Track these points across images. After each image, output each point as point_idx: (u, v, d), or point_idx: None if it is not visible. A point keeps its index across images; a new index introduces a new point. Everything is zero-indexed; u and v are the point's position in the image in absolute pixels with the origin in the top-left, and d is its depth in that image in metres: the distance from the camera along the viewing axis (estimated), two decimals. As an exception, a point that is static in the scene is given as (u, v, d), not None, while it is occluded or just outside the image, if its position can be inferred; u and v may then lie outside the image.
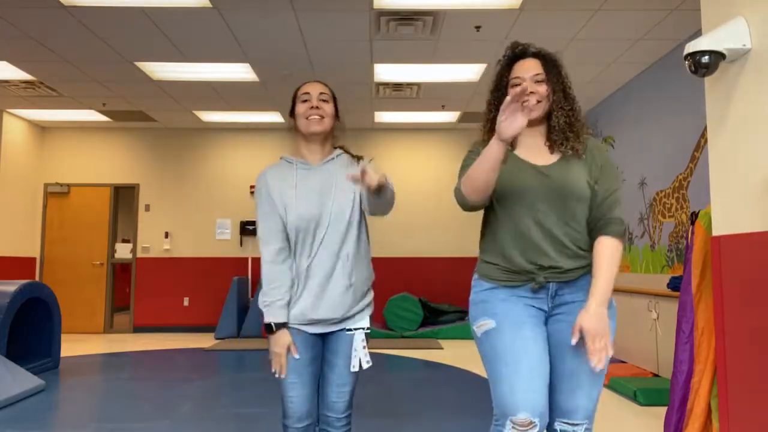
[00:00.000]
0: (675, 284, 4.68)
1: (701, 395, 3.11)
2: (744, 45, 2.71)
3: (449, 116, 8.27)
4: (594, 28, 5.19)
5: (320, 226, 1.97)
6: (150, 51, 5.78)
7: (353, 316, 2.01)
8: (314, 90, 2.04)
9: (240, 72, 6.39)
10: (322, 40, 5.52)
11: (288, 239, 2.00)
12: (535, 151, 1.80)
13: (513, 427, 1.60)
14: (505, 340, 1.67)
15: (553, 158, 1.78)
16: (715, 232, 2.96)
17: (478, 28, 5.20)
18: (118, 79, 6.63)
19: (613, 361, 5.54)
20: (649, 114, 6.16)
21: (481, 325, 1.75)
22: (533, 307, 1.75)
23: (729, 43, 2.73)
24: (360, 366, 1.99)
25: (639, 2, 4.70)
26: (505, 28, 5.21)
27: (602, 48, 5.67)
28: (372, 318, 2.09)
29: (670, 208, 5.70)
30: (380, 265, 8.66)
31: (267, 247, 1.98)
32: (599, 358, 1.58)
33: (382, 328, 8.04)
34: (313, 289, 1.96)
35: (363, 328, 2.01)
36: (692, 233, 3.28)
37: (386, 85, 6.82)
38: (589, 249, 1.75)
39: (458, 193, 1.75)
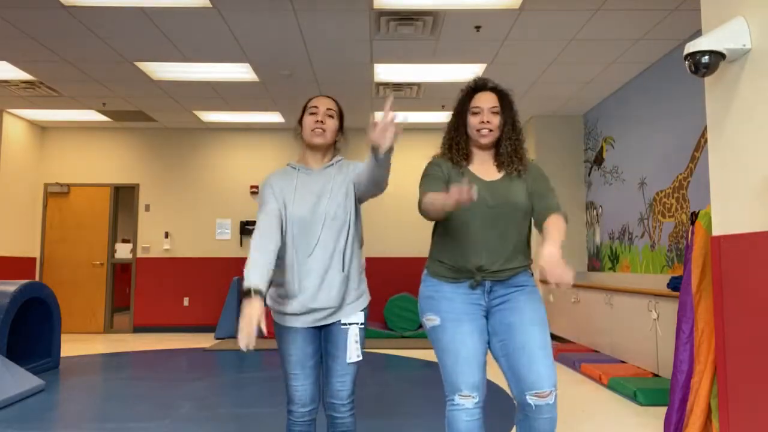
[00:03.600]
0: (675, 284, 4.68)
1: (701, 395, 3.11)
2: (744, 45, 2.71)
3: (449, 116, 8.25)
4: (594, 28, 5.19)
5: (317, 225, 2.13)
6: (150, 51, 5.78)
7: (350, 304, 2.17)
8: (322, 105, 2.21)
9: (240, 72, 6.39)
10: (322, 40, 5.52)
11: (282, 228, 2.14)
12: (485, 168, 2.14)
13: (460, 398, 2.01)
14: (447, 335, 2.04)
15: (499, 175, 2.13)
16: (715, 232, 2.96)
17: (478, 28, 5.20)
18: (118, 79, 6.63)
19: (613, 361, 5.54)
20: (649, 114, 6.16)
21: (429, 319, 2.10)
22: (472, 303, 2.07)
23: (729, 43, 2.73)
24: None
25: (639, 2, 4.70)
26: (505, 28, 5.21)
27: (602, 48, 5.67)
28: (367, 314, 2.25)
29: (670, 208, 5.70)
30: (380, 265, 8.67)
31: (260, 223, 2.10)
32: (559, 277, 1.75)
33: (382, 328, 8.04)
34: (312, 282, 2.11)
35: (357, 323, 2.17)
36: (692, 233, 3.29)
37: (386, 85, 6.82)
38: (523, 257, 2.11)
39: (420, 207, 2.05)
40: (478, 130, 2.09)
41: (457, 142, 2.15)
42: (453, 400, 2.03)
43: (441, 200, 1.87)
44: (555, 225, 1.99)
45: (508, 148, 2.12)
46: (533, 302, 2.07)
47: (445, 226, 2.11)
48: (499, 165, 2.14)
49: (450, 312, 2.05)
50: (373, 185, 2.08)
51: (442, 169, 2.13)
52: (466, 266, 2.06)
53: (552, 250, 1.83)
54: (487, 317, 2.11)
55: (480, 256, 2.05)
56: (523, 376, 1.97)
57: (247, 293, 1.94)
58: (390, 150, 1.91)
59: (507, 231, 2.06)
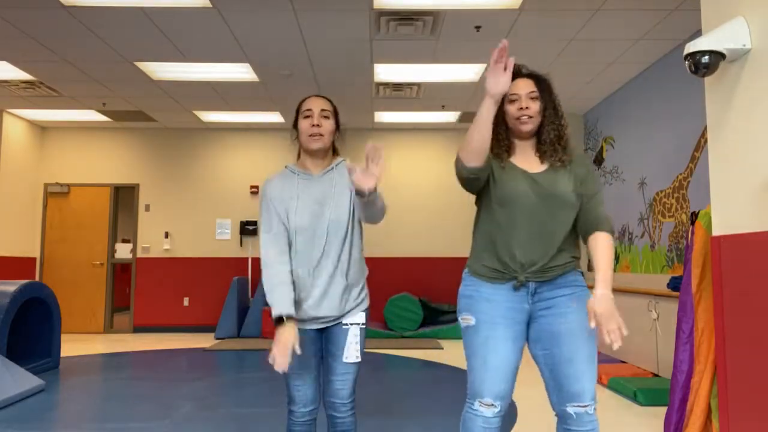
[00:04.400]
0: (675, 284, 4.68)
1: (701, 395, 3.11)
2: (744, 45, 2.71)
3: (449, 116, 8.27)
4: (594, 28, 5.19)
5: (321, 235, 2.11)
6: (150, 51, 5.78)
7: (350, 311, 2.16)
8: (316, 107, 2.15)
9: (240, 72, 6.39)
10: (322, 40, 5.52)
11: (289, 244, 2.13)
12: (528, 161, 2.02)
13: (480, 405, 1.94)
14: (480, 337, 1.95)
15: (543, 167, 2.00)
16: (715, 232, 2.96)
17: (478, 28, 5.20)
18: (118, 79, 6.63)
19: (613, 361, 5.54)
20: (649, 114, 6.16)
21: (464, 319, 2.01)
22: (512, 307, 1.96)
23: (729, 43, 2.73)
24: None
25: (639, 2, 4.70)
26: (505, 28, 5.21)
27: (602, 48, 5.67)
28: (368, 314, 2.25)
29: (670, 208, 5.70)
30: (380, 265, 8.67)
31: (269, 248, 2.10)
32: (616, 336, 1.75)
33: (382, 328, 8.04)
34: (316, 292, 2.11)
35: (358, 324, 2.16)
36: (692, 233, 3.28)
37: (386, 85, 6.82)
38: (572, 250, 2.00)
39: (457, 163, 1.92)
40: (518, 118, 1.96)
41: (497, 134, 2.00)
42: (473, 404, 1.96)
43: (478, 112, 1.78)
44: (604, 254, 1.89)
45: (551, 135, 1.99)
46: (581, 310, 1.95)
47: (489, 223, 2.00)
48: (542, 155, 2.00)
49: (486, 314, 1.95)
50: (366, 219, 2.09)
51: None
52: (509, 265, 1.95)
53: (605, 293, 1.78)
54: (529, 321, 2.01)
55: (524, 253, 1.93)
56: (566, 388, 1.91)
57: (279, 320, 1.99)
58: (374, 191, 1.91)
59: (553, 225, 1.94)
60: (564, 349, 1.92)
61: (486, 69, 1.95)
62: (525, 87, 2.00)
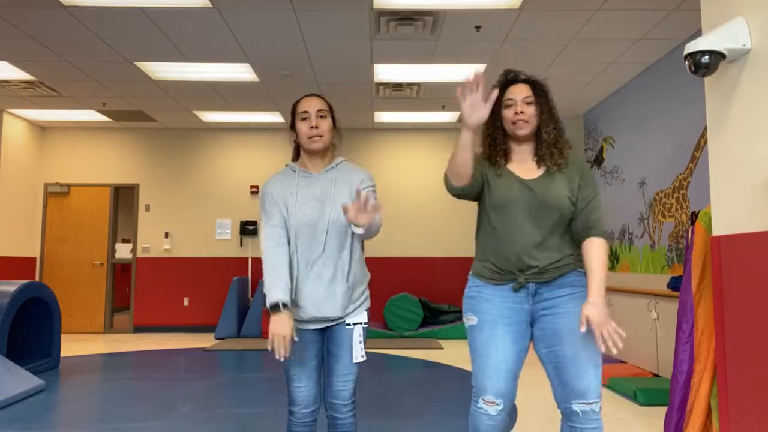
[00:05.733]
0: (675, 284, 4.68)
1: (701, 395, 3.11)
2: (744, 45, 2.71)
3: (449, 116, 8.27)
4: (594, 28, 5.19)
5: (322, 230, 2.11)
6: (150, 51, 5.78)
7: (353, 311, 2.16)
8: (312, 108, 2.16)
9: (240, 72, 6.39)
10: (322, 40, 5.52)
11: (288, 236, 2.14)
12: (524, 166, 2.08)
13: (484, 402, 2.01)
14: (482, 336, 2.03)
15: (539, 172, 2.06)
16: (715, 232, 2.96)
17: (478, 28, 5.20)
18: (118, 79, 6.63)
19: (613, 361, 5.54)
20: (649, 114, 6.16)
21: (468, 319, 2.09)
22: (512, 307, 2.04)
23: (729, 43, 2.73)
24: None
25: (639, 2, 4.70)
26: (505, 28, 5.21)
27: (602, 48, 5.67)
28: (369, 315, 2.25)
29: (670, 208, 5.70)
30: (380, 265, 8.67)
31: (268, 238, 2.11)
32: (612, 342, 1.81)
33: (382, 328, 8.04)
34: (318, 292, 2.11)
35: (361, 323, 2.16)
36: (692, 233, 3.28)
37: (386, 85, 6.82)
38: (568, 250, 2.05)
39: (445, 181, 2.04)
40: (514, 123, 2.03)
41: (493, 138, 2.08)
42: (477, 402, 2.02)
43: (460, 141, 1.86)
44: (598, 260, 1.94)
45: (548, 139, 2.05)
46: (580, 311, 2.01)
47: (487, 226, 2.08)
48: (539, 159, 2.06)
49: (488, 314, 2.03)
50: (360, 238, 2.13)
51: (480, 163, 2.08)
52: (508, 267, 2.02)
53: (596, 301, 1.85)
54: (532, 322, 2.06)
55: (521, 257, 2.00)
56: (571, 385, 1.95)
57: (274, 308, 2.00)
58: (367, 226, 1.96)
59: (548, 229, 2.01)
60: (567, 347, 1.96)
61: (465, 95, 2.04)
62: (520, 92, 2.06)
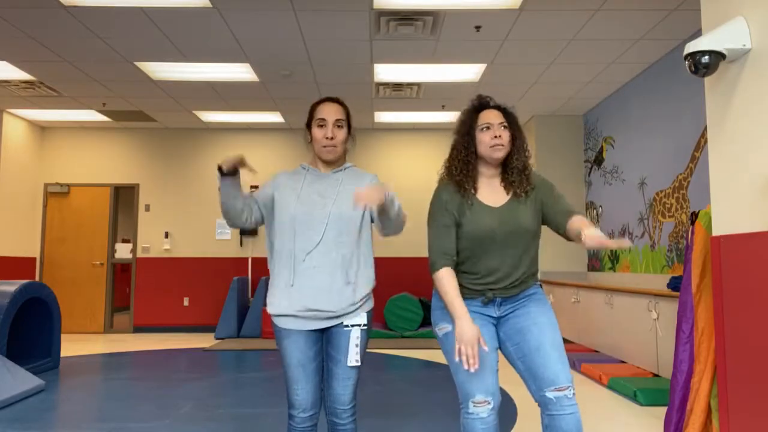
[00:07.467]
0: (675, 284, 4.68)
1: (701, 395, 3.11)
2: (744, 45, 2.71)
3: (449, 116, 8.26)
4: (594, 28, 5.19)
5: (319, 223, 2.10)
6: (150, 51, 5.78)
7: (351, 312, 2.12)
8: (330, 116, 2.16)
9: (240, 72, 6.39)
10: (322, 40, 5.52)
11: (258, 210, 2.22)
12: (492, 193, 2.16)
13: (474, 405, 2.03)
14: None
15: (506, 198, 2.14)
16: (715, 232, 2.96)
17: (478, 28, 5.20)
18: (118, 79, 6.63)
19: (613, 361, 5.54)
20: (649, 114, 6.16)
21: (441, 328, 2.14)
22: (481, 314, 2.13)
23: (729, 43, 2.73)
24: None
25: (639, 2, 4.70)
26: (505, 28, 5.21)
27: (602, 48, 5.67)
28: (371, 317, 2.19)
29: (670, 208, 5.70)
30: (380, 265, 8.65)
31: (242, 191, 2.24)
32: (618, 243, 1.84)
33: (382, 328, 8.04)
34: (313, 283, 2.08)
35: (359, 325, 2.12)
36: (692, 233, 3.28)
37: (386, 85, 6.82)
38: (534, 267, 2.18)
39: (431, 270, 2.08)
40: (492, 146, 2.09)
41: (466, 162, 2.13)
42: (467, 408, 2.05)
43: (451, 311, 1.99)
44: (581, 219, 2.05)
45: (517, 165, 2.14)
46: (541, 306, 2.13)
47: (460, 249, 2.13)
48: (507, 185, 2.15)
49: None
50: (389, 233, 2.17)
51: (448, 209, 2.11)
52: (478, 286, 2.11)
53: (593, 231, 1.88)
54: (497, 326, 2.16)
55: (491, 278, 2.10)
56: (540, 374, 2.01)
57: (219, 171, 2.16)
58: (384, 207, 2.01)
59: (517, 253, 2.11)
60: (531, 339, 2.05)
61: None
62: (496, 117, 2.13)
